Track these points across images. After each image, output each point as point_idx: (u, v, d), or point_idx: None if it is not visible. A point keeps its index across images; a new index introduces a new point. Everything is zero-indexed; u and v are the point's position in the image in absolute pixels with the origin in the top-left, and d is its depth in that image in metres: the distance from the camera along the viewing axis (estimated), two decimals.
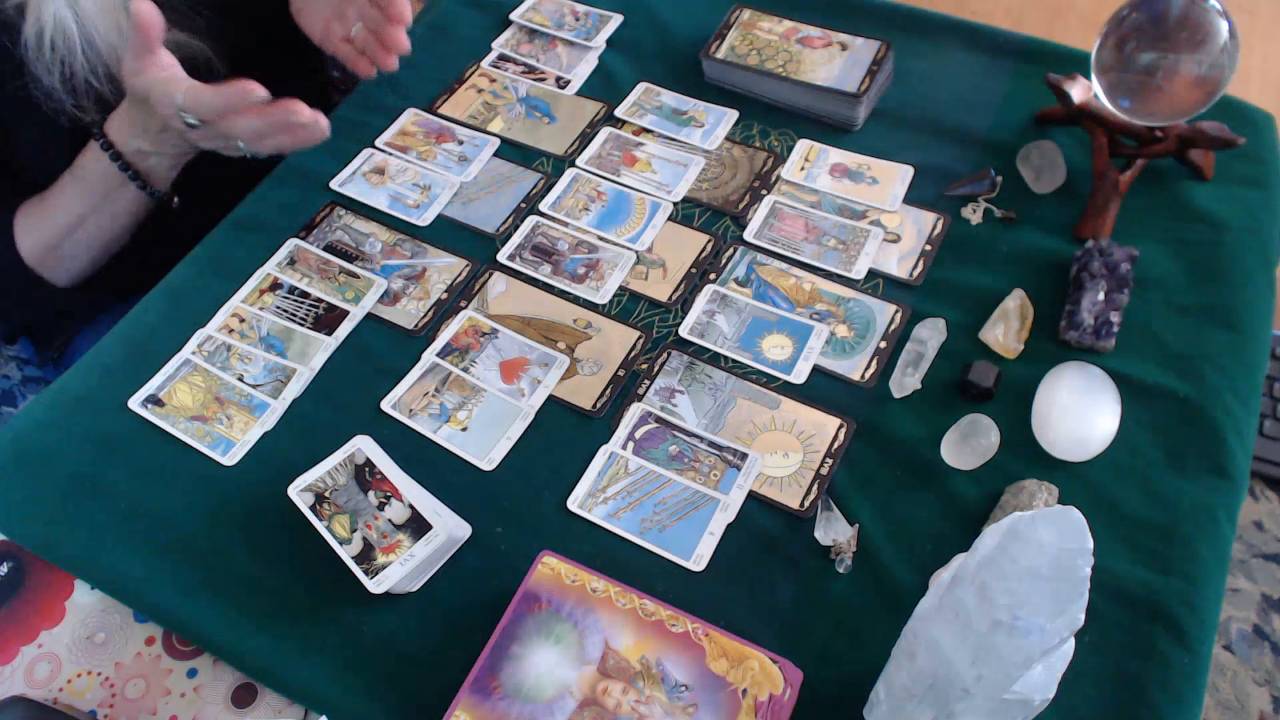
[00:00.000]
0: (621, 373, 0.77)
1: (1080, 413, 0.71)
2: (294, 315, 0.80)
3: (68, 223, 0.85)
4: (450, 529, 0.64)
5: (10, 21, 0.77)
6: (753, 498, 0.70)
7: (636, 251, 0.85)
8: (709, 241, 0.85)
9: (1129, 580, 0.66)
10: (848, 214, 0.87)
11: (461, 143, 0.93)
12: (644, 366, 0.77)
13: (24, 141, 0.85)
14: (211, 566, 0.67)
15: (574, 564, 0.63)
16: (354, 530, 0.64)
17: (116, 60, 0.81)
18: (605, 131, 0.94)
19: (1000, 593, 0.45)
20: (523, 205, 0.88)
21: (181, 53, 0.87)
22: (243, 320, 0.80)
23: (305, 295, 0.82)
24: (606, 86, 0.98)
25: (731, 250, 0.85)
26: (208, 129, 0.75)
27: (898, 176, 0.89)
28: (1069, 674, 0.51)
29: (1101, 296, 0.78)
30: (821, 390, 0.76)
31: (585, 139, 0.93)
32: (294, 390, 0.76)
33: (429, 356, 0.78)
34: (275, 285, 0.82)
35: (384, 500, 0.65)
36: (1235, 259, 0.82)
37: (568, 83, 0.98)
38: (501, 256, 0.84)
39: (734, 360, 0.78)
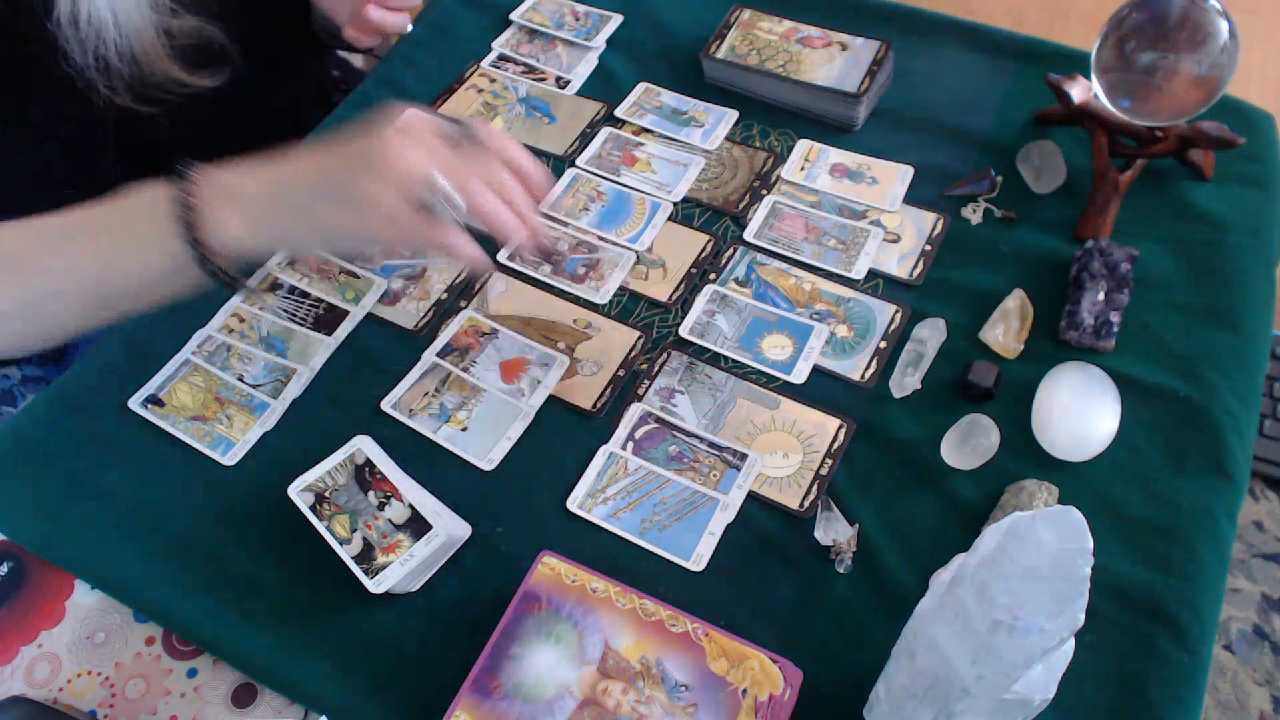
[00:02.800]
0: (621, 373, 0.77)
1: (1080, 413, 0.71)
2: (294, 315, 0.80)
3: (48, 263, 0.64)
4: (450, 529, 0.64)
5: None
6: (752, 498, 0.70)
7: (636, 251, 0.85)
8: (709, 241, 0.85)
9: (1129, 580, 0.66)
10: (848, 214, 0.87)
11: None
12: (644, 366, 0.77)
13: (60, 119, 0.84)
14: (211, 566, 0.67)
15: (574, 564, 0.63)
16: (354, 530, 0.64)
17: (140, 42, 0.81)
18: (605, 131, 0.94)
19: (1000, 593, 0.45)
20: None
21: (198, 38, 0.87)
22: (243, 320, 0.80)
23: (305, 295, 0.82)
24: (606, 86, 0.98)
25: (731, 250, 0.85)
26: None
27: (898, 176, 0.89)
28: (1069, 674, 0.51)
29: (1101, 296, 0.77)
30: (821, 390, 0.76)
31: (585, 139, 0.93)
32: (294, 390, 0.76)
33: (429, 356, 0.78)
34: (275, 285, 0.82)
35: (384, 500, 0.65)
36: (1235, 259, 0.82)
37: (568, 83, 0.98)
38: (501, 256, 0.84)
39: (734, 360, 0.78)
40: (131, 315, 0.67)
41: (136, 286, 0.64)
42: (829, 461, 0.72)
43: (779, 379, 0.76)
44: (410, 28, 0.90)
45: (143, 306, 0.66)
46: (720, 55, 0.96)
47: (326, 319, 0.80)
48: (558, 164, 0.92)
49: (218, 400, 0.75)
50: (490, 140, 0.66)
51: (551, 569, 0.63)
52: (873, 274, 0.83)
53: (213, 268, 0.62)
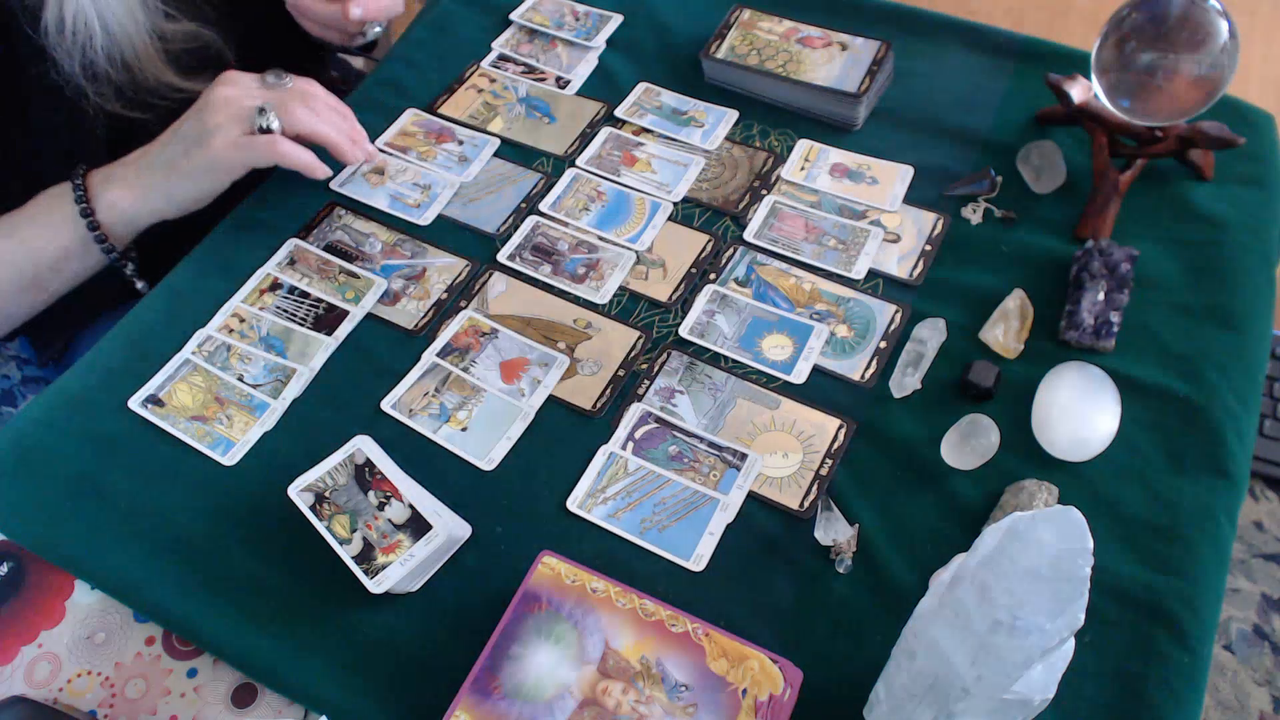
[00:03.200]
0: (621, 373, 0.77)
1: (1080, 413, 0.71)
2: (294, 315, 0.80)
3: None
4: (450, 529, 0.64)
5: (31, 6, 0.77)
6: (752, 498, 0.70)
7: (636, 251, 0.85)
8: (709, 241, 0.85)
9: (1129, 580, 0.66)
10: (848, 214, 0.87)
11: (461, 143, 0.93)
12: (644, 366, 0.77)
13: (52, 126, 0.85)
14: (211, 566, 0.67)
15: (574, 564, 0.63)
16: (354, 530, 0.64)
17: (131, 48, 0.81)
18: (605, 131, 0.94)
19: (1000, 593, 0.45)
20: (523, 205, 0.88)
21: (193, 42, 0.87)
22: (243, 320, 0.80)
23: (305, 295, 0.82)
24: (606, 86, 0.98)
25: (731, 250, 0.85)
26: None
27: (898, 176, 0.89)
28: (1069, 674, 0.51)
29: (1101, 296, 0.78)
30: (821, 390, 0.76)
31: (585, 139, 0.93)
32: (294, 390, 0.76)
33: (429, 356, 0.78)
34: (275, 285, 0.82)
35: (384, 500, 0.65)
36: (1235, 259, 0.82)
37: (568, 83, 0.98)
38: (501, 256, 0.84)
39: (734, 360, 0.78)
40: (61, 293, 0.82)
41: (59, 264, 0.80)
42: (829, 461, 0.72)
43: (779, 379, 0.76)
44: (380, 28, 0.92)
45: (68, 282, 0.82)
46: (720, 55, 0.96)
47: (326, 319, 0.80)
48: (558, 164, 0.92)
49: (218, 400, 0.75)
50: (300, 84, 0.82)
51: (551, 569, 0.63)
52: (873, 274, 0.83)
53: (107, 243, 0.80)
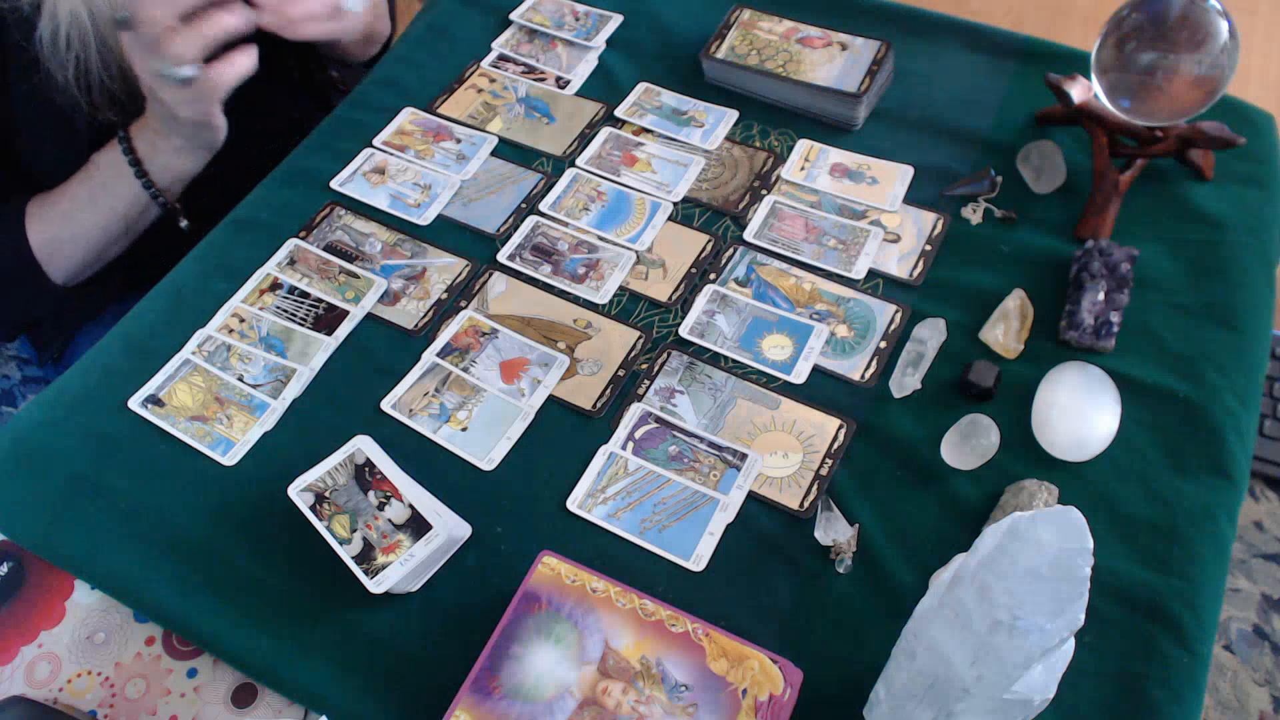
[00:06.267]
0: (621, 373, 0.77)
1: (1080, 413, 0.71)
2: (294, 315, 0.80)
3: (69, 209, 0.85)
4: (450, 529, 0.64)
5: (26, 18, 0.77)
6: (752, 498, 0.70)
7: (636, 251, 0.85)
8: (709, 241, 0.85)
9: (1129, 580, 0.66)
10: (848, 214, 0.87)
11: (459, 141, 0.93)
12: (644, 366, 0.77)
13: (42, 139, 0.85)
14: (211, 566, 0.67)
15: (574, 564, 0.63)
16: (354, 530, 0.64)
17: (126, 57, 0.82)
18: (605, 131, 0.94)
19: (1000, 593, 0.45)
20: (523, 205, 0.88)
21: None
22: (243, 320, 0.80)
23: (305, 295, 0.82)
24: (606, 86, 0.98)
25: (731, 250, 0.85)
26: (196, 92, 0.76)
27: (898, 176, 0.89)
28: (1069, 674, 0.51)
29: (1101, 296, 0.78)
30: (821, 390, 0.76)
31: (585, 139, 0.93)
32: (294, 390, 0.76)
33: (429, 356, 0.78)
34: (275, 285, 0.82)
35: (384, 500, 0.65)
36: (1235, 259, 0.82)
37: (567, 83, 0.98)
38: (501, 256, 0.84)
39: (734, 360, 0.78)
40: (143, 228, 0.90)
41: (135, 210, 0.87)
42: (829, 461, 0.72)
43: (779, 379, 0.76)
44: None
45: (150, 219, 0.89)
46: (720, 55, 0.96)
47: (326, 319, 0.80)
48: (558, 164, 0.92)
49: (218, 400, 0.75)
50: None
51: (551, 569, 0.63)
52: (873, 274, 0.83)
53: (162, 199, 0.87)
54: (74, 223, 0.86)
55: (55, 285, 0.88)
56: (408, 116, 0.95)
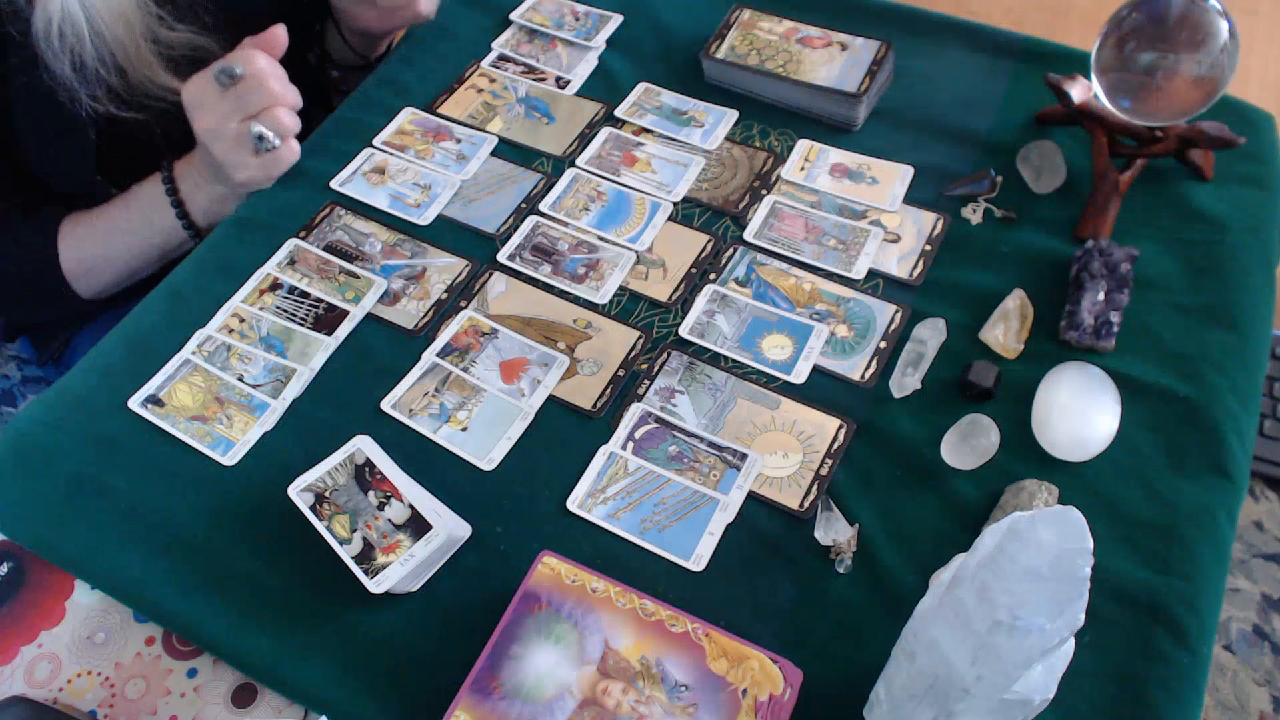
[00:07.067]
0: (621, 373, 0.77)
1: (1080, 413, 0.71)
2: (294, 315, 0.80)
3: (106, 234, 0.89)
4: (450, 529, 0.64)
5: (20, 11, 0.78)
6: (752, 498, 0.70)
7: (636, 251, 0.85)
8: (709, 241, 0.85)
9: (1129, 580, 0.66)
10: (848, 214, 0.87)
11: (459, 141, 0.93)
12: (644, 366, 0.77)
13: (43, 132, 0.85)
14: (211, 566, 0.67)
15: (574, 564, 0.63)
16: (354, 530, 0.64)
17: (124, 52, 0.82)
18: (605, 131, 0.94)
19: (1000, 593, 0.45)
20: (523, 205, 0.88)
21: (190, 50, 0.87)
22: (243, 320, 0.80)
23: (305, 295, 0.82)
24: (606, 86, 0.98)
25: (731, 250, 0.85)
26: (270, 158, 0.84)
27: (898, 176, 0.89)
28: (1069, 674, 0.51)
29: (1101, 296, 0.78)
30: (821, 390, 0.76)
31: (585, 139, 0.93)
32: (294, 390, 0.76)
33: (429, 356, 0.78)
34: (275, 285, 0.82)
35: (384, 500, 0.65)
36: (1235, 259, 0.82)
37: (568, 83, 0.98)
38: (501, 256, 0.84)
39: (734, 360, 0.78)
40: (175, 256, 0.93)
41: (172, 244, 0.91)
42: (829, 461, 0.72)
43: (779, 379, 0.76)
44: None
45: (184, 250, 0.92)
46: (720, 55, 0.96)
47: (326, 319, 0.80)
48: (558, 164, 0.92)
49: (218, 400, 0.75)
50: (250, 68, 0.80)
51: (551, 569, 0.63)
52: (873, 274, 0.83)
53: (197, 234, 0.90)
54: (109, 247, 0.89)
55: (79, 297, 0.92)
56: (408, 116, 0.95)
